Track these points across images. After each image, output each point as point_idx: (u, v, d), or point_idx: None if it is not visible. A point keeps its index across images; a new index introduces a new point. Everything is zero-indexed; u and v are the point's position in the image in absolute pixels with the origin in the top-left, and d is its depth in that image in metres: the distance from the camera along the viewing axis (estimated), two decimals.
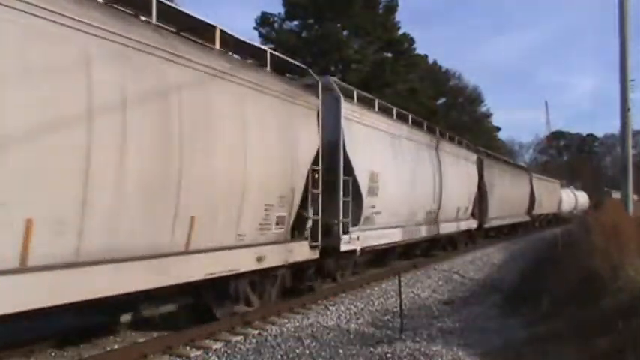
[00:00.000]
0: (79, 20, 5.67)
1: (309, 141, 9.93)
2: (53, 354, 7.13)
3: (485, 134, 54.00)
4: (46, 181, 5.29)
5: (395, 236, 14.08)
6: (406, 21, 62.36)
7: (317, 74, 11.02)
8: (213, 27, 8.18)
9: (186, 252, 7.08)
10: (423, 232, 16.13)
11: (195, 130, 7.10)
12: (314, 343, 7.80)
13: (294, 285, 10.36)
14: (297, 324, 8.94)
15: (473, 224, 21.75)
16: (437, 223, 17.26)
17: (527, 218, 33.34)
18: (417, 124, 16.41)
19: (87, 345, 7.46)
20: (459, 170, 19.56)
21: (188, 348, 7.50)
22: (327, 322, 9.15)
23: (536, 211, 35.04)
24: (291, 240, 9.59)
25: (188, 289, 7.72)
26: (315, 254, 10.24)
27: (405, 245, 15.68)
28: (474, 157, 22.44)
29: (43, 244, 5.26)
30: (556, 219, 43.35)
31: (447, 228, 18.29)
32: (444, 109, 49.99)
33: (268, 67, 9.32)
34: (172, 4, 7.63)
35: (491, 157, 26.67)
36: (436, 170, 16.76)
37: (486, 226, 23.48)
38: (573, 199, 52.02)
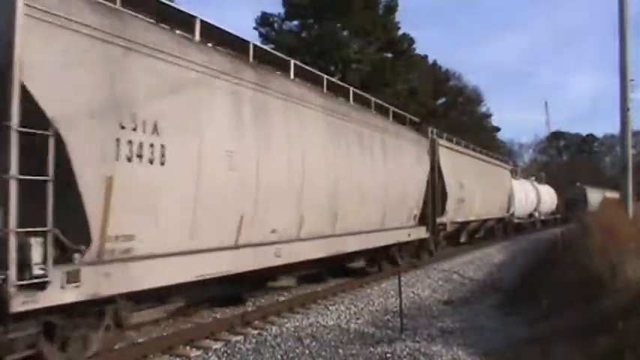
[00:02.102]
0: None
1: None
2: None
3: (485, 134, 53.95)
4: None
5: None
6: (406, 21, 62.35)
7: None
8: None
9: None
10: None
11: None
12: (314, 343, 7.80)
13: None
14: (297, 324, 8.95)
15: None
16: None
17: (421, 234, 16.23)
18: None
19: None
20: None
21: (188, 348, 7.50)
22: (327, 322, 9.16)
23: (452, 215, 18.56)
24: None
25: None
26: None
27: None
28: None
29: None
30: (504, 228, 27.60)
31: None
32: (444, 109, 49.95)
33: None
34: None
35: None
36: None
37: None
38: (534, 196, 33.57)
